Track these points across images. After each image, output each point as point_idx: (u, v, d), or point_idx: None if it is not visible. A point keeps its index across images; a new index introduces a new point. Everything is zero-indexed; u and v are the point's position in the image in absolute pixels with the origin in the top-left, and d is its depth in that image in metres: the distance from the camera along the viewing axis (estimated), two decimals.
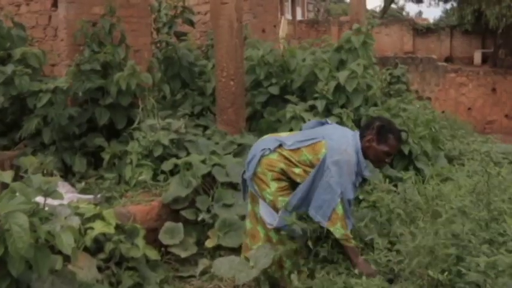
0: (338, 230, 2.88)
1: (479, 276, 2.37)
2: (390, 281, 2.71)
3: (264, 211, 3.19)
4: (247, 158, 3.22)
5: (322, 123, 3.37)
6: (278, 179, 3.06)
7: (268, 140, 3.21)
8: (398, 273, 2.69)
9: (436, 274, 2.45)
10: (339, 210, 2.89)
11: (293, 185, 3.09)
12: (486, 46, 22.18)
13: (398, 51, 21.84)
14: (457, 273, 2.51)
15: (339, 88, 5.41)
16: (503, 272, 2.35)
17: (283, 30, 16.35)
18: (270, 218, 3.15)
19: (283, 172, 3.05)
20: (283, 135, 3.30)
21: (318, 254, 2.97)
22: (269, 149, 3.07)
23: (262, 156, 3.07)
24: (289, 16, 21.54)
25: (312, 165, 3.00)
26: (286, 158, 3.04)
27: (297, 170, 3.03)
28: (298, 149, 3.05)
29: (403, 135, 3.16)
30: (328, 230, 2.92)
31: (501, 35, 18.56)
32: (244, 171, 3.33)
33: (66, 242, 2.39)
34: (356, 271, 2.76)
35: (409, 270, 2.61)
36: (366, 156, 3.06)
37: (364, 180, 3.31)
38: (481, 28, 20.39)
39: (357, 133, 3.13)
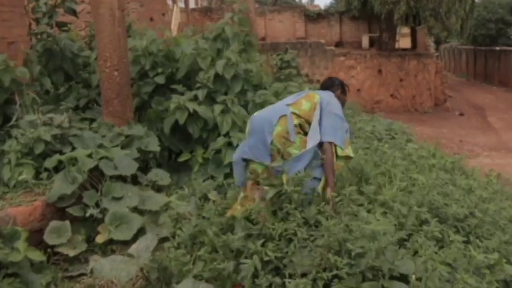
0: (349, 151, 3.49)
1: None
2: None
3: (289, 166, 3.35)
4: (253, 129, 3.52)
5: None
6: (298, 133, 3.44)
7: (276, 108, 3.62)
8: None
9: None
10: (347, 136, 3.53)
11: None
12: (372, 31, 23.48)
13: (291, 37, 22.46)
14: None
15: (218, 76, 5.46)
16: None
17: (176, 18, 16.11)
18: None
19: (299, 126, 3.47)
20: (282, 101, 3.77)
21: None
22: (285, 114, 3.45)
23: (280, 117, 3.45)
24: (182, 4, 21.23)
25: (309, 112, 3.50)
26: (295, 114, 3.48)
27: (301, 121, 3.49)
28: (298, 100, 3.58)
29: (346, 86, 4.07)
30: None
31: (384, 20, 19.71)
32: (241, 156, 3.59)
33: None
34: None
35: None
36: None
37: None
38: (367, 14, 21.49)
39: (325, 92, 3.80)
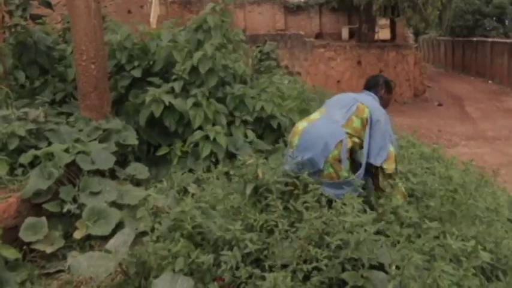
0: (391, 166, 3.46)
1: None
2: None
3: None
4: (305, 145, 3.44)
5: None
6: (349, 156, 3.47)
7: (329, 128, 3.47)
8: None
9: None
10: (392, 150, 3.50)
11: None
12: (352, 22, 23.57)
13: (270, 29, 22.43)
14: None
15: (194, 69, 5.39)
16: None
17: (155, 11, 15.88)
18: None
19: (351, 150, 3.48)
20: (329, 116, 3.58)
21: None
22: (341, 140, 3.40)
23: (340, 143, 3.40)
24: None
25: (362, 129, 3.49)
26: (349, 134, 3.45)
27: (356, 140, 3.49)
28: (350, 118, 3.51)
29: (392, 83, 4.04)
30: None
31: (363, 11, 19.80)
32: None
33: None
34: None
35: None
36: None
37: None
38: (347, 5, 21.57)
39: (370, 93, 3.80)
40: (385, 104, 3.84)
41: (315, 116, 3.70)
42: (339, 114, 3.56)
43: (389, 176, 3.48)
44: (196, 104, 5.13)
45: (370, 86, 3.90)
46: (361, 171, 3.44)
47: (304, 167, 3.41)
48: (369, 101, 3.64)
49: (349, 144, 3.44)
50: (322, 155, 3.38)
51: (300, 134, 3.54)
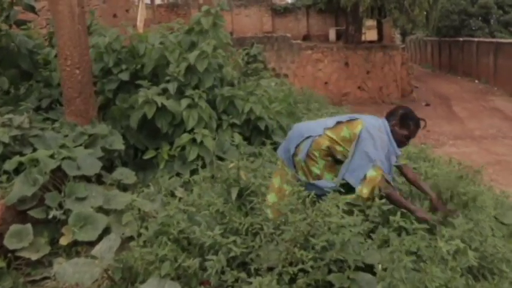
0: (365, 190, 3.19)
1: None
2: None
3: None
4: (289, 136, 3.59)
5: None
6: (325, 156, 3.39)
7: (314, 125, 3.56)
8: None
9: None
10: (370, 174, 3.22)
11: (336, 161, 3.44)
12: (339, 24, 23.68)
13: (258, 32, 22.47)
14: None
15: (190, 69, 5.36)
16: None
17: (141, 15, 15.84)
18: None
19: (328, 150, 3.38)
20: (325, 119, 3.66)
21: None
22: (319, 135, 3.41)
23: (313, 139, 3.40)
24: (147, 0, 20.99)
25: (350, 141, 3.37)
26: (330, 137, 3.39)
27: (338, 148, 3.38)
28: (339, 125, 3.45)
29: (422, 123, 3.59)
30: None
31: (350, 13, 19.88)
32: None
33: None
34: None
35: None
36: None
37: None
38: (334, 7, 21.67)
39: (385, 120, 3.55)
40: (396, 139, 3.48)
41: (320, 118, 3.83)
42: (332, 120, 3.53)
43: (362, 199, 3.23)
44: (191, 106, 5.11)
45: (388, 113, 3.60)
46: (332, 183, 3.32)
47: (283, 155, 3.52)
48: (371, 122, 3.44)
49: (325, 143, 3.37)
50: (293, 145, 3.47)
51: (292, 127, 3.69)
